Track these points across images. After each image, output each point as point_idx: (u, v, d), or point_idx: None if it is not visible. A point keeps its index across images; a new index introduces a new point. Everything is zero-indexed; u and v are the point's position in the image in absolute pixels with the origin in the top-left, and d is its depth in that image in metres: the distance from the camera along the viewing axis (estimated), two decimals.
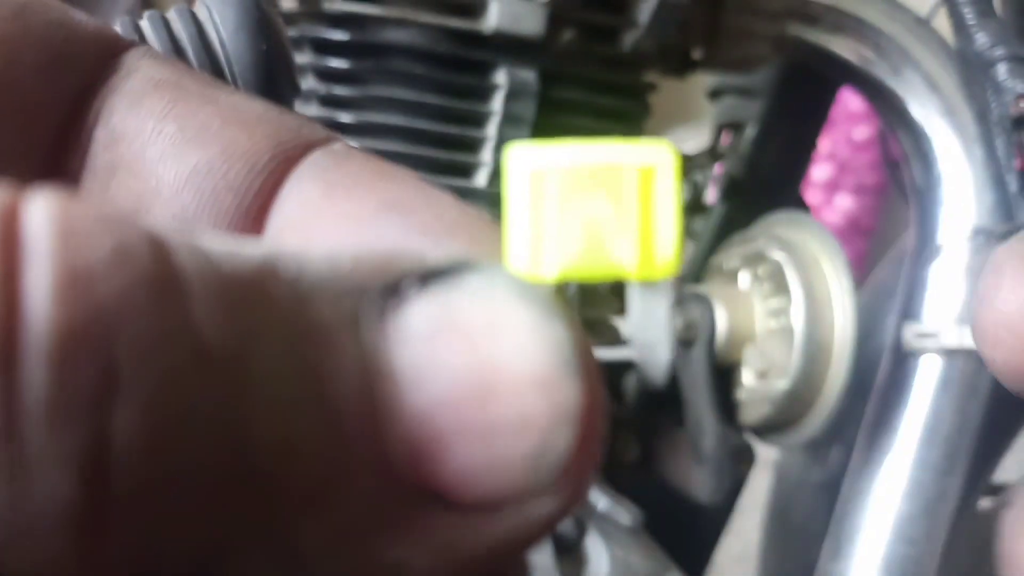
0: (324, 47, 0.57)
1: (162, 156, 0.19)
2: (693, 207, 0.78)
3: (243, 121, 0.19)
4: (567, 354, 0.12)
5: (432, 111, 0.57)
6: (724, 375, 0.63)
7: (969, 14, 0.59)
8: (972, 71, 0.60)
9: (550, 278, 0.15)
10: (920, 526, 0.58)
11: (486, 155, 0.58)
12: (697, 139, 0.81)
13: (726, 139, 0.79)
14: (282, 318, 0.12)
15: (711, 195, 0.79)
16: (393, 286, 0.13)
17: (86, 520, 0.10)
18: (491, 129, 0.58)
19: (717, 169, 0.79)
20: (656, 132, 0.77)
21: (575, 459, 0.12)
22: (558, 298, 0.14)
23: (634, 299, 0.13)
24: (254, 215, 0.19)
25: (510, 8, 0.55)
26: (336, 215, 0.18)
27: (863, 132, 1.81)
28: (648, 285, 0.13)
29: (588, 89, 0.60)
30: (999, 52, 0.58)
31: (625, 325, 0.53)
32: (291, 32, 0.57)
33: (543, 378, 0.12)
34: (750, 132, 0.77)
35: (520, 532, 0.12)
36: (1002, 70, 0.58)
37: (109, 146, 0.20)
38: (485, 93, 0.58)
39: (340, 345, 0.12)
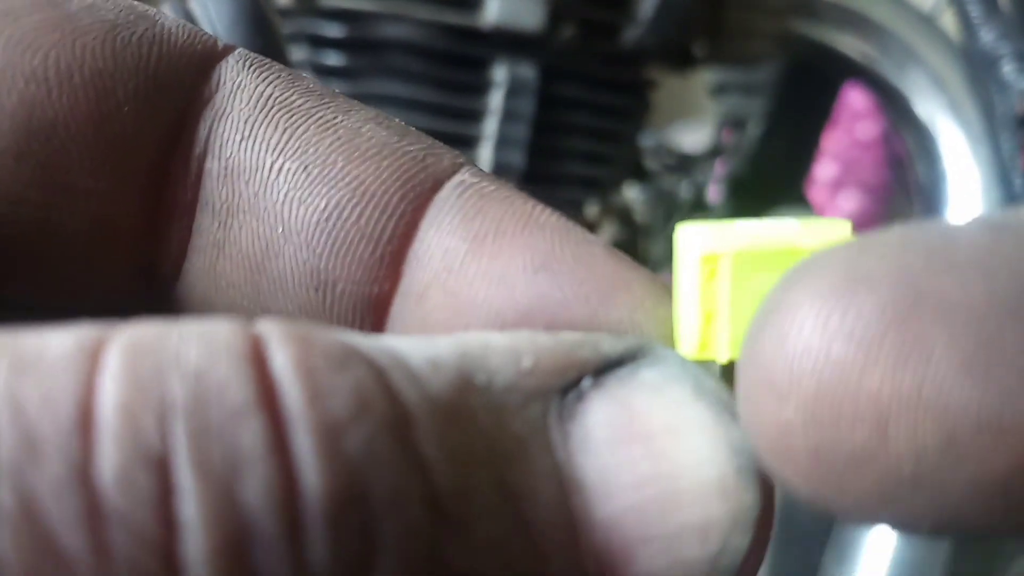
0: (320, 43, 0.56)
1: (286, 198, 0.18)
2: (695, 206, 0.78)
3: (367, 154, 0.18)
4: (745, 458, 0.13)
5: (430, 108, 0.57)
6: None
7: (974, 11, 0.58)
8: (977, 68, 0.59)
9: (722, 360, 0.14)
10: None
11: (485, 152, 0.58)
12: (699, 136, 0.80)
13: (728, 137, 0.79)
14: (486, 441, 0.12)
15: (713, 194, 0.78)
16: (573, 384, 0.13)
17: None
18: (490, 126, 0.57)
19: (719, 167, 0.79)
20: (657, 129, 0.76)
21: (749, 561, 0.13)
22: (730, 387, 0.13)
23: None
24: (388, 263, 0.18)
25: (509, 3, 0.55)
26: (484, 274, 0.17)
27: (868, 130, 1.80)
28: None
29: (588, 86, 0.60)
30: (1004, 49, 0.57)
31: None
32: (286, 28, 0.56)
33: (724, 484, 0.12)
34: (753, 130, 0.76)
35: None
36: (1007, 67, 0.57)
37: (224, 182, 0.18)
38: (484, 90, 0.57)
39: (536, 461, 0.12)
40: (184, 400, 0.10)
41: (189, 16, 0.43)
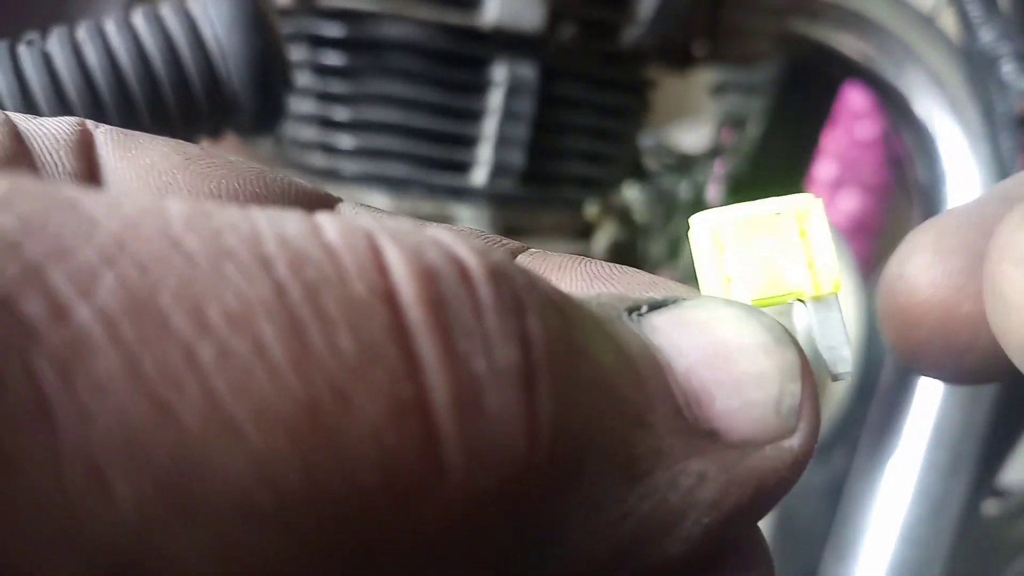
0: (319, 42, 0.56)
1: None
2: (695, 205, 0.78)
3: None
4: (778, 331, 0.16)
5: (430, 107, 0.56)
6: None
7: (974, 10, 0.58)
8: (977, 68, 0.59)
9: None
10: (925, 529, 0.57)
11: (485, 152, 0.58)
12: (698, 136, 0.80)
13: (728, 136, 0.78)
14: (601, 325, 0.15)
15: (713, 193, 0.78)
16: (633, 308, 0.16)
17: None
18: (490, 126, 0.57)
19: (719, 167, 0.79)
20: (657, 129, 0.76)
21: (806, 407, 0.16)
22: None
23: (810, 315, 0.17)
24: None
25: (509, 3, 0.55)
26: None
27: (867, 130, 1.80)
28: (821, 301, 0.19)
29: (588, 85, 0.60)
30: (1004, 49, 0.57)
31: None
32: (286, 27, 0.56)
33: (766, 346, 0.16)
34: (752, 129, 0.76)
35: (779, 466, 0.16)
36: (1007, 67, 0.57)
37: None
38: (483, 89, 0.57)
39: (623, 329, 0.15)
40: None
41: (189, 16, 0.43)
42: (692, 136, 0.83)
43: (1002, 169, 0.59)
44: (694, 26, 0.63)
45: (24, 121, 0.20)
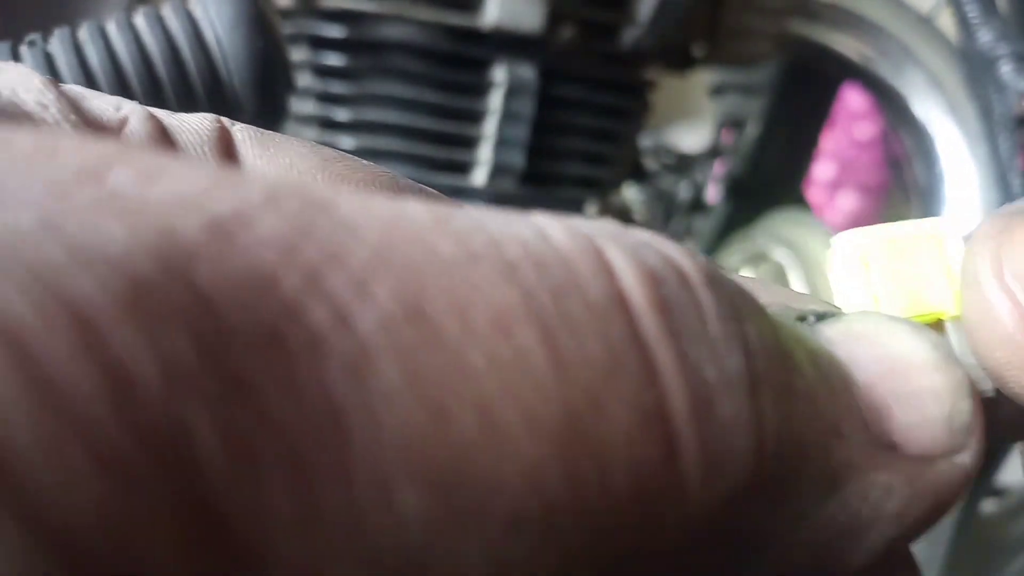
0: (320, 43, 0.56)
1: None
2: (694, 206, 0.78)
3: None
4: (946, 349, 0.17)
5: (430, 108, 0.57)
6: None
7: (972, 12, 0.58)
8: (975, 69, 0.59)
9: None
10: None
11: (484, 153, 0.58)
12: (698, 137, 0.80)
13: (727, 137, 0.79)
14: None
15: (712, 194, 0.79)
16: (801, 318, 0.17)
17: None
18: (490, 126, 0.57)
19: (718, 167, 0.79)
20: (656, 129, 0.76)
21: (976, 424, 0.16)
22: None
23: (951, 334, 0.18)
24: None
25: (509, 4, 0.55)
26: None
27: (866, 131, 1.80)
28: (959, 322, 0.20)
29: (588, 86, 0.60)
30: (1002, 50, 0.58)
31: None
32: (287, 28, 0.57)
33: (937, 363, 0.16)
34: (752, 130, 0.76)
35: (953, 481, 0.16)
36: (1005, 68, 0.57)
37: None
38: (483, 90, 0.57)
39: (808, 339, 0.16)
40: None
41: (190, 17, 0.43)
42: (691, 136, 0.83)
43: (1000, 169, 0.59)
44: (694, 27, 0.63)
45: (167, 116, 0.20)
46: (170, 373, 0.09)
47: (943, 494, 0.16)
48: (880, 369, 0.16)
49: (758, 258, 0.66)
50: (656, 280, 0.12)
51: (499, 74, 0.57)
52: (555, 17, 0.56)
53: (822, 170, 1.85)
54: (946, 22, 0.62)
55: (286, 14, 0.57)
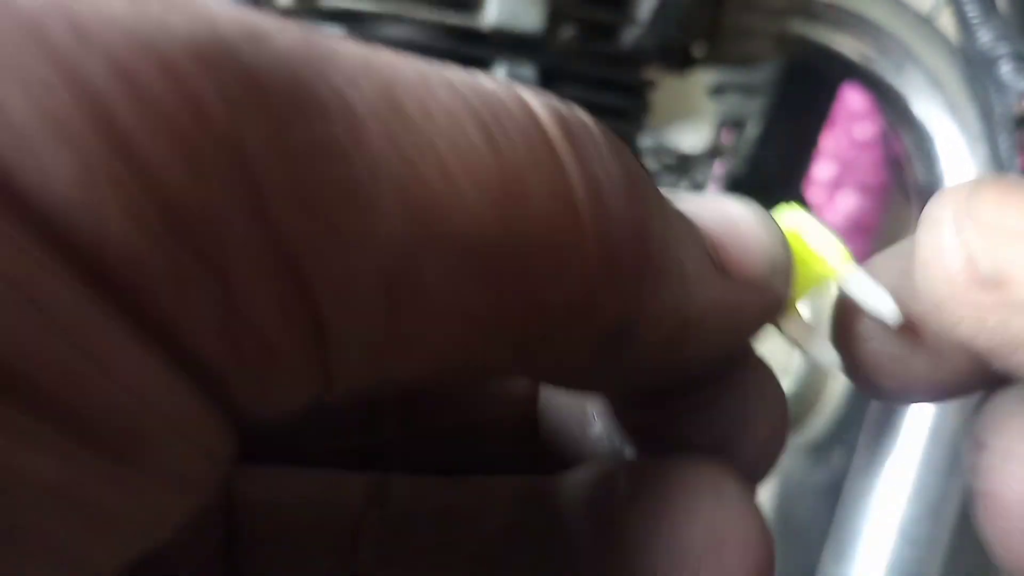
0: None
1: None
2: None
3: None
4: (768, 218, 0.22)
5: None
6: None
7: (972, 11, 0.58)
8: (975, 69, 0.60)
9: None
10: (923, 528, 0.57)
11: None
12: (698, 137, 0.80)
13: (727, 137, 0.79)
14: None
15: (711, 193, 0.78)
16: None
17: None
18: None
19: (718, 167, 0.79)
20: (656, 129, 0.76)
21: (788, 264, 0.21)
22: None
23: (847, 287, 0.24)
24: None
25: (509, 4, 0.55)
26: None
27: (866, 131, 1.80)
28: (845, 276, 0.25)
29: (588, 86, 0.60)
30: (1002, 50, 0.58)
31: None
32: None
33: (760, 221, 0.21)
34: (751, 130, 0.76)
35: (768, 301, 0.21)
36: (1005, 68, 0.57)
37: None
38: None
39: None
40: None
41: None
42: (691, 136, 0.83)
43: (1000, 169, 0.59)
44: (693, 27, 0.63)
45: None
46: (232, 101, 0.13)
47: (762, 308, 0.21)
48: (719, 220, 0.21)
49: None
50: (563, 115, 0.17)
51: (499, 74, 0.57)
52: (555, 17, 0.56)
53: (822, 170, 1.85)
54: (946, 22, 0.62)
55: (286, 14, 0.57)
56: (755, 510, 0.21)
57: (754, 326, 0.22)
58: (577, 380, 0.21)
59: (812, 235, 0.24)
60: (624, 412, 0.24)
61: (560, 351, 0.18)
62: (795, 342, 0.24)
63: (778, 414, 0.23)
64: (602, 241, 0.17)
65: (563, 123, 0.17)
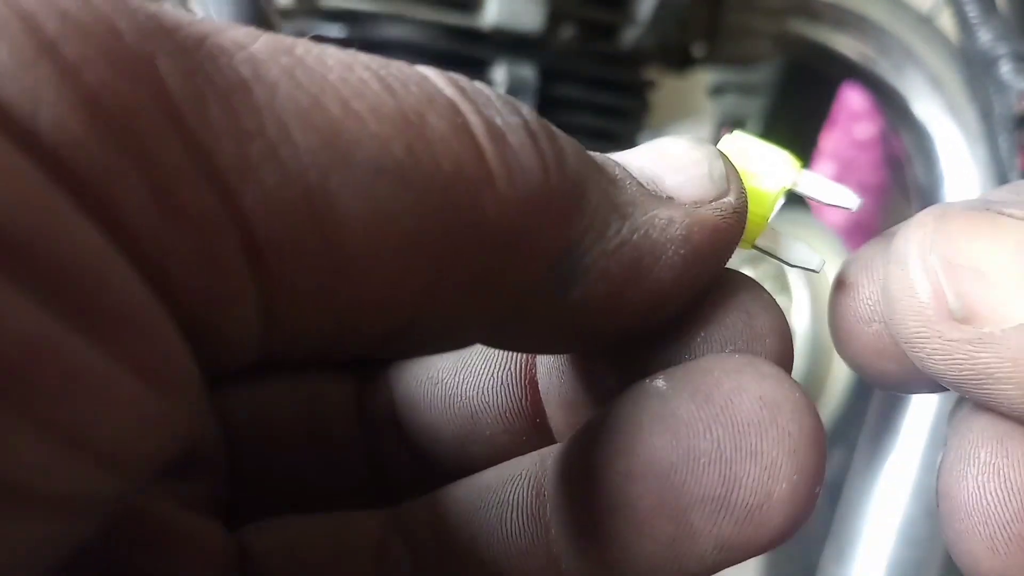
0: (321, 43, 0.56)
1: None
2: None
3: None
4: (699, 141, 0.22)
5: None
6: None
7: (972, 11, 0.58)
8: (975, 69, 0.59)
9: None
10: (923, 528, 0.57)
11: None
12: (698, 136, 0.80)
13: None
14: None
15: None
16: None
17: None
18: None
19: None
20: (656, 129, 0.76)
21: (731, 176, 0.22)
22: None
23: (805, 188, 0.25)
24: None
25: (509, 4, 0.55)
26: None
27: (865, 131, 1.80)
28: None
29: (588, 86, 0.60)
30: (1002, 49, 0.58)
31: None
32: (286, 28, 0.56)
33: (691, 144, 0.22)
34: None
35: (724, 215, 0.21)
36: (1005, 68, 0.57)
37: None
38: None
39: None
40: None
41: None
42: (691, 136, 0.83)
43: (1000, 169, 0.59)
44: (693, 27, 0.63)
45: None
46: (143, 32, 0.15)
47: (719, 225, 0.21)
48: (653, 155, 0.22)
49: (757, 258, 0.66)
50: (455, 77, 0.18)
51: (499, 74, 0.57)
52: (555, 17, 0.56)
53: (822, 170, 1.84)
54: (946, 22, 0.62)
55: (286, 14, 0.57)
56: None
57: (721, 243, 0.22)
58: (552, 333, 0.21)
59: (758, 151, 0.25)
60: (621, 366, 0.24)
61: (512, 291, 0.19)
62: (772, 254, 0.25)
63: (774, 325, 0.23)
64: (512, 176, 0.18)
65: (454, 80, 0.18)
